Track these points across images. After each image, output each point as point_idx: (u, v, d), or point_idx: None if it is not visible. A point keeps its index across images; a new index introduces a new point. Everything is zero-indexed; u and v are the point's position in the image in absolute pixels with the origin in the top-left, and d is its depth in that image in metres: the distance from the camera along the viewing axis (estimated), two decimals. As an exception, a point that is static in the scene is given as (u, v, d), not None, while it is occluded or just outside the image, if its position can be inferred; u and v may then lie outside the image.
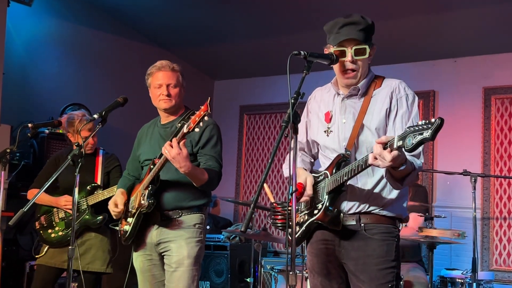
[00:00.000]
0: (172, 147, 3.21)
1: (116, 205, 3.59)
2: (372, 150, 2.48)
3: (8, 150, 4.19)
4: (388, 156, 2.39)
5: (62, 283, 5.23)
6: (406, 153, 2.47)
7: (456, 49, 6.55)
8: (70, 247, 3.37)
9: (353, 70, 2.78)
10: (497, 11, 5.74)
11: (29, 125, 4.40)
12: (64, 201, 4.35)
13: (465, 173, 5.11)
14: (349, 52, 2.74)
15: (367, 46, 2.73)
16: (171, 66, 3.62)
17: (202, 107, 3.11)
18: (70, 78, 6.44)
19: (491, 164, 6.37)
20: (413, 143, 2.29)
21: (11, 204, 4.92)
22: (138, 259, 3.63)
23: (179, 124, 3.24)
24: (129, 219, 3.55)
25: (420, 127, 2.29)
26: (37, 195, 3.55)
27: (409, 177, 2.60)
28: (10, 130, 5.32)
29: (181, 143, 3.23)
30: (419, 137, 2.27)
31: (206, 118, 3.11)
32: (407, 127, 2.36)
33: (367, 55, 2.74)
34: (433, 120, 2.26)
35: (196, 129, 3.15)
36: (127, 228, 3.55)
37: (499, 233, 6.28)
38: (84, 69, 6.62)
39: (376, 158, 2.44)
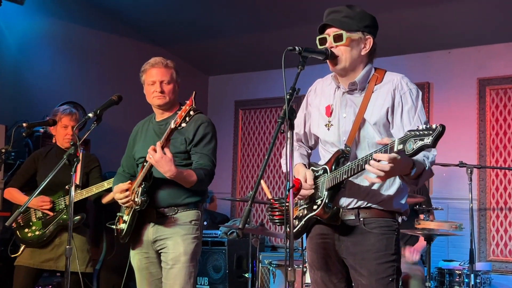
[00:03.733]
0: (155, 151, 3.21)
1: (122, 191, 3.48)
2: (374, 145, 2.47)
3: (3, 150, 4.17)
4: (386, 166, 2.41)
5: (59, 282, 5.22)
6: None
7: (450, 41, 6.55)
8: (68, 246, 3.35)
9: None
10: (491, 1, 5.74)
11: (24, 124, 4.38)
12: (41, 202, 4.31)
13: (461, 164, 5.12)
14: (329, 39, 2.75)
15: (343, 32, 2.71)
16: (165, 63, 3.61)
17: (187, 102, 3.12)
18: (63, 77, 6.42)
19: (487, 155, 6.38)
20: (413, 148, 2.29)
21: (6, 204, 4.91)
22: (135, 257, 3.62)
23: None
24: (125, 217, 3.54)
25: (421, 133, 2.29)
26: (32, 196, 3.52)
27: (423, 176, 2.60)
28: (5, 129, 5.30)
29: (165, 147, 3.23)
30: (420, 143, 2.28)
31: (192, 112, 3.11)
32: (408, 131, 2.35)
33: (344, 41, 2.71)
34: (434, 126, 2.27)
35: (183, 124, 3.15)
36: (123, 226, 3.54)
37: (495, 223, 6.29)
38: (78, 67, 6.60)
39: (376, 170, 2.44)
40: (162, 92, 3.56)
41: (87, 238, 4.41)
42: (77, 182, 4.35)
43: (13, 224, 4.43)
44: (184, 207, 3.50)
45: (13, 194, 4.41)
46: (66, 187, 4.29)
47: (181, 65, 3.76)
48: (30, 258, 4.32)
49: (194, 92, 3.13)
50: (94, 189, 4.23)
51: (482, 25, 6.14)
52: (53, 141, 4.55)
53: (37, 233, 4.34)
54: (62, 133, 4.40)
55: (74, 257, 4.28)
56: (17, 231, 4.41)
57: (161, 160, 3.20)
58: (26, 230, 4.39)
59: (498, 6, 5.78)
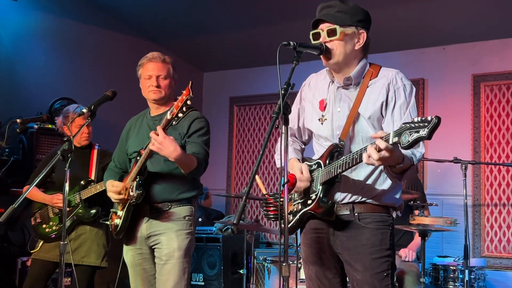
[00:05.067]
0: (157, 135, 3.19)
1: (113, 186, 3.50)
2: (368, 140, 2.46)
3: (-3, 146, 4.18)
4: (376, 155, 2.38)
5: (55, 279, 5.21)
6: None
7: (444, 37, 6.55)
8: (61, 242, 3.36)
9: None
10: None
11: (18, 120, 4.38)
12: (56, 199, 4.38)
13: (456, 160, 5.13)
14: (323, 33, 2.75)
15: (337, 27, 2.71)
16: (162, 58, 3.61)
17: (184, 92, 3.12)
18: (58, 72, 6.40)
19: (481, 151, 6.39)
20: (409, 141, 2.27)
21: (1, 200, 4.91)
22: (128, 253, 3.61)
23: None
24: (119, 213, 3.53)
25: (416, 125, 2.27)
26: (28, 191, 3.54)
27: (408, 171, 2.60)
28: (-1, 125, 5.29)
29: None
30: (415, 135, 2.26)
31: (189, 102, 3.11)
32: (403, 123, 2.33)
33: (337, 35, 2.71)
34: (429, 118, 2.25)
35: (180, 114, 3.14)
36: (118, 222, 3.52)
37: (490, 219, 6.31)
38: (72, 62, 6.57)
39: (369, 157, 2.42)
40: (158, 86, 3.55)
41: (103, 232, 4.45)
42: (92, 177, 4.44)
43: (32, 221, 4.53)
44: (178, 203, 3.50)
45: (32, 192, 4.43)
46: (82, 182, 4.39)
47: (176, 61, 3.74)
48: (47, 252, 4.39)
49: (190, 82, 3.12)
50: None
51: (476, 21, 6.14)
52: None
53: (54, 228, 4.41)
54: (79, 133, 4.43)
55: (90, 251, 4.33)
56: (36, 228, 4.49)
57: (165, 141, 3.17)
58: (44, 226, 4.46)
59: (492, 2, 5.78)
